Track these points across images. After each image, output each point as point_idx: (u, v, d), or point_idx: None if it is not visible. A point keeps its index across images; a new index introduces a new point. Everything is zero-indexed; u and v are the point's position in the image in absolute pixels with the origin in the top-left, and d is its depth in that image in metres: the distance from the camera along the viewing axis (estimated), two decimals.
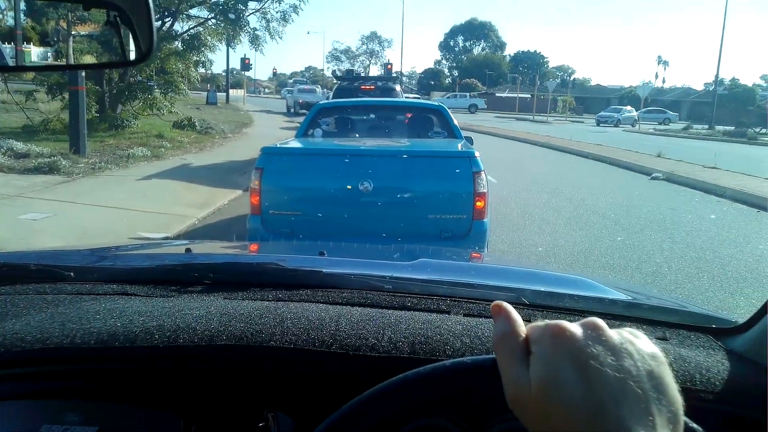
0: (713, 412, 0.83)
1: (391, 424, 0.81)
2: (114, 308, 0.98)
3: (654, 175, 13.98)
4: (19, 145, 11.49)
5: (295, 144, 5.63)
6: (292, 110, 37.36)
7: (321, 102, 7.86)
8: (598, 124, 46.43)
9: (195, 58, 19.09)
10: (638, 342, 0.53)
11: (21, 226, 6.64)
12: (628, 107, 50.68)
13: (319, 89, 42.64)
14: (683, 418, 0.50)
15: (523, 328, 0.56)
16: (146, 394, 0.89)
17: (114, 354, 0.88)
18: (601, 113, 49.89)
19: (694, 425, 0.55)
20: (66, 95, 13.30)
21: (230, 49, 32.86)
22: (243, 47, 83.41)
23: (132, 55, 1.32)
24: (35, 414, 0.85)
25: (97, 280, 1.19)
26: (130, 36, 1.24)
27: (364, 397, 0.61)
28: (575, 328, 0.53)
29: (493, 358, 0.57)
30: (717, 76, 46.41)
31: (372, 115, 7.31)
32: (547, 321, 0.55)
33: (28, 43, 35.56)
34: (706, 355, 0.94)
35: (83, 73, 12.14)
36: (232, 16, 18.27)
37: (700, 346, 1.00)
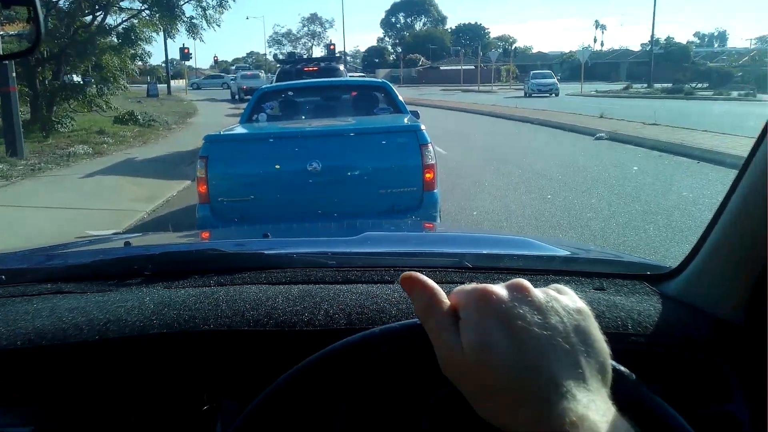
0: (646, 353, 0.86)
1: (333, 395, 0.82)
2: (44, 307, 0.96)
3: (598, 135, 14.28)
4: None
5: (239, 130, 5.55)
6: (237, 97, 36.71)
7: (263, 86, 7.75)
8: (529, 96, 37.74)
9: (131, 51, 18.50)
10: (563, 298, 0.54)
11: None
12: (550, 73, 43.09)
13: (262, 74, 41.93)
14: (611, 364, 0.52)
15: (443, 296, 0.56)
16: (83, 391, 0.88)
17: (42, 353, 0.86)
18: (535, 81, 40.02)
19: (622, 368, 0.57)
20: None
21: (168, 40, 31.97)
22: (181, 37, 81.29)
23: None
24: None
25: (30, 281, 1.16)
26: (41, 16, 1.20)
27: (295, 370, 0.61)
28: (501, 290, 0.54)
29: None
30: (652, 36, 47.86)
31: (316, 96, 7.26)
32: (474, 284, 0.55)
33: None
34: (639, 301, 0.97)
35: (14, 74, 11.69)
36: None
37: (636, 292, 1.03)
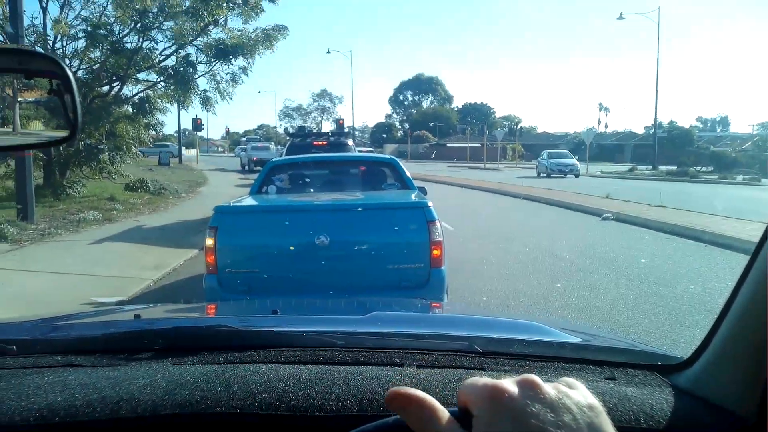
0: None
1: None
2: (57, 381, 0.95)
3: (604, 215, 14.34)
4: None
5: (249, 201, 5.61)
6: (247, 168, 37.39)
7: (274, 159, 7.88)
8: (547, 176, 34.50)
9: (145, 120, 18.98)
10: (575, 394, 0.54)
11: None
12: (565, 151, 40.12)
13: (272, 146, 42.80)
14: None
15: (440, 407, 0.55)
16: None
17: (54, 430, 0.85)
18: (554, 161, 35.88)
19: None
20: (11, 161, 13.04)
21: (182, 110, 32.89)
22: (194, 108, 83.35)
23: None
24: None
25: (41, 352, 1.15)
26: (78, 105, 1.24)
27: None
28: (512, 387, 0.53)
29: None
30: (655, 119, 48.64)
31: (325, 170, 7.37)
32: (485, 380, 0.55)
33: None
34: (651, 393, 0.96)
35: None
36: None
37: (647, 384, 1.02)
